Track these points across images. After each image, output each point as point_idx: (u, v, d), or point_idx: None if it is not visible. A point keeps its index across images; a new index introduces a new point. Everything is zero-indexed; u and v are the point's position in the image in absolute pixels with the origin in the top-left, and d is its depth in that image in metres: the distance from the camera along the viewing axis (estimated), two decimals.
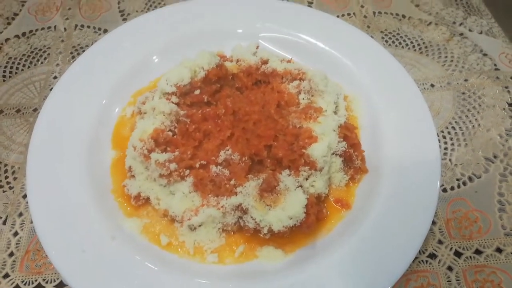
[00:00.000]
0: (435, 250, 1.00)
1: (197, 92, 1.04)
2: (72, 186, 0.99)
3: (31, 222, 1.02)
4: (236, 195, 0.93)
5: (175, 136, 1.00)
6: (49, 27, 1.42)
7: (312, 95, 1.08)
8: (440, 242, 1.01)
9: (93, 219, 0.95)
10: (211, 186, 0.96)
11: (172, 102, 1.02)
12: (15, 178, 1.10)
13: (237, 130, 1.02)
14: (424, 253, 0.99)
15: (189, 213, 0.94)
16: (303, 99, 1.08)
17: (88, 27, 1.42)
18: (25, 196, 1.07)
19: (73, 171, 1.01)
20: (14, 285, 0.94)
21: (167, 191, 0.99)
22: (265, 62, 1.12)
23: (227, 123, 1.02)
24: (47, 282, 0.95)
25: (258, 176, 0.97)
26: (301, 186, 0.96)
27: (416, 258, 0.99)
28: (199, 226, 0.96)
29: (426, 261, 0.98)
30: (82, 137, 1.07)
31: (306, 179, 0.98)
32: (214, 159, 0.98)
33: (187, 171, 0.96)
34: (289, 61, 1.15)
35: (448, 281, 0.96)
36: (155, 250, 0.95)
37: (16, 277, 0.95)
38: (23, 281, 0.95)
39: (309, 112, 1.02)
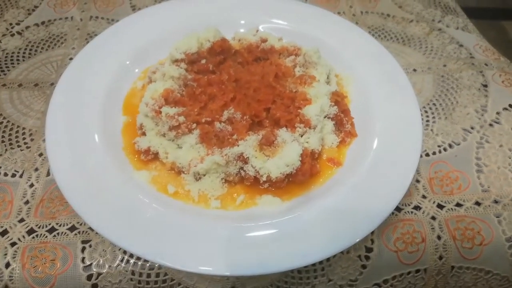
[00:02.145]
0: (419, 203, 1.09)
1: (203, 61, 1.16)
2: (86, 143, 1.07)
3: (47, 175, 1.10)
4: (238, 147, 1.03)
5: (183, 98, 1.11)
6: (66, 17, 1.55)
7: (307, 68, 1.20)
8: (424, 197, 1.10)
9: (105, 169, 1.03)
10: (215, 140, 1.06)
11: (181, 68, 1.13)
12: (32, 139, 1.18)
13: (239, 95, 1.13)
14: (409, 205, 1.08)
15: (195, 161, 1.02)
16: (298, 71, 1.20)
17: (102, 18, 1.55)
18: (41, 155, 1.15)
19: (87, 131, 1.10)
20: (28, 228, 1.01)
21: (174, 145, 1.08)
22: (264, 40, 1.25)
23: (230, 88, 1.13)
24: (60, 226, 1.01)
25: (258, 132, 1.07)
26: (296, 141, 1.06)
27: (402, 209, 1.07)
28: (204, 175, 1.04)
29: (412, 212, 1.07)
30: (96, 103, 1.16)
31: (301, 136, 1.08)
32: (218, 117, 1.08)
33: (194, 125, 1.06)
34: (280, 39, 1.27)
35: (431, 228, 1.04)
36: (162, 197, 1.03)
37: (30, 221, 1.02)
38: (37, 224, 1.01)
39: (304, 77, 1.14)
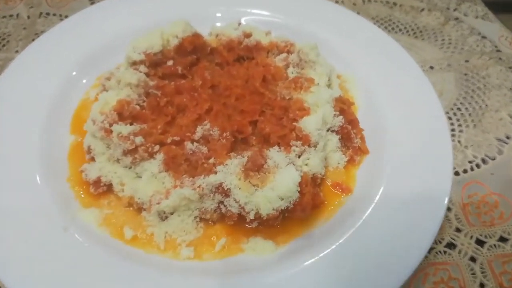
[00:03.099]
0: (453, 239, 0.85)
1: (169, 63, 0.91)
2: (18, 172, 0.82)
3: None
4: (216, 174, 0.78)
5: (143, 111, 0.86)
6: (10, 15, 1.29)
7: (302, 68, 0.96)
8: (458, 230, 0.86)
9: (40, 209, 0.78)
10: (186, 166, 0.81)
11: (140, 72, 0.88)
12: None
13: (216, 105, 0.88)
14: (441, 242, 0.84)
15: (158, 196, 0.77)
16: (292, 73, 0.95)
17: (54, 14, 1.30)
18: None
19: (20, 156, 0.85)
20: None
21: (132, 174, 0.83)
22: (248, 35, 1.00)
23: (205, 96, 0.88)
24: None
25: (242, 154, 0.82)
26: (292, 164, 0.81)
27: (432, 248, 0.83)
28: (171, 214, 0.79)
29: (445, 252, 0.83)
30: (35, 120, 0.91)
31: (299, 156, 0.83)
32: (189, 135, 0.83)
33: (157, 147, 0.80)
34: (268, 33, 1.02)
35: (472, 274, 0.80)
36: (117, 245, 0.77)
37: None
38: None
39: (299, 81, 0.89)
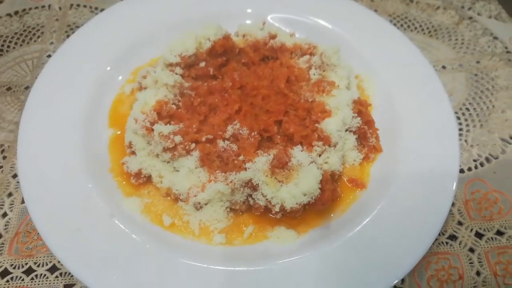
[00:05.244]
0: (455, 232, 0.94)
1: (202, 64, 0.99)
2: (65, 164, 0.91)
3: (22, 203, 0.95)
4: (246, 171, 0.87)
5: (179, 110, 0.94)
6: (43, 6, 1.35)
7: (324, 70, 1.03)
8: (459, 223, 0.96)
9: (89, 197, 0.87)
10: (218, 162, 0.90)
11: (176, 74, 0.96)
12: (4, 157, 1.02)
13: (245, 105, 0.96)
14: (443, 234, 0.94)
15: (195, 189, 0.87)
16: (314, 74, 1.02)
17: (85, 6, 1.36)
18: (15, 176, 0.99)
19: (66, 149, 0.94)
20: (2, 269, 0.86)
21: (170, 167, 0.92)
22: (273, 36, 1.07)
23: (234, 97, 0.96)
24: (38, 266, 0.87)
25: (268, 152, 0.91)
26: (314, 162, 0.90)
27: (435, 239, 0.93)
28: (205, 205, 0.89)
29: (447, 243, 0.93)
30: (77, 114, 1.00)
31: (320, 155, 0.92)
32: (221, 133, 0.92)
33: (193, 145, 0.90)
34: (292, 35, 1.09)
35: (470, 263, 0.90)
36: (157, 231, 0.88)
37: (4, 260, 0.87)
38: (12, 264, 0.87)
39: (322, 85, 0.97)
